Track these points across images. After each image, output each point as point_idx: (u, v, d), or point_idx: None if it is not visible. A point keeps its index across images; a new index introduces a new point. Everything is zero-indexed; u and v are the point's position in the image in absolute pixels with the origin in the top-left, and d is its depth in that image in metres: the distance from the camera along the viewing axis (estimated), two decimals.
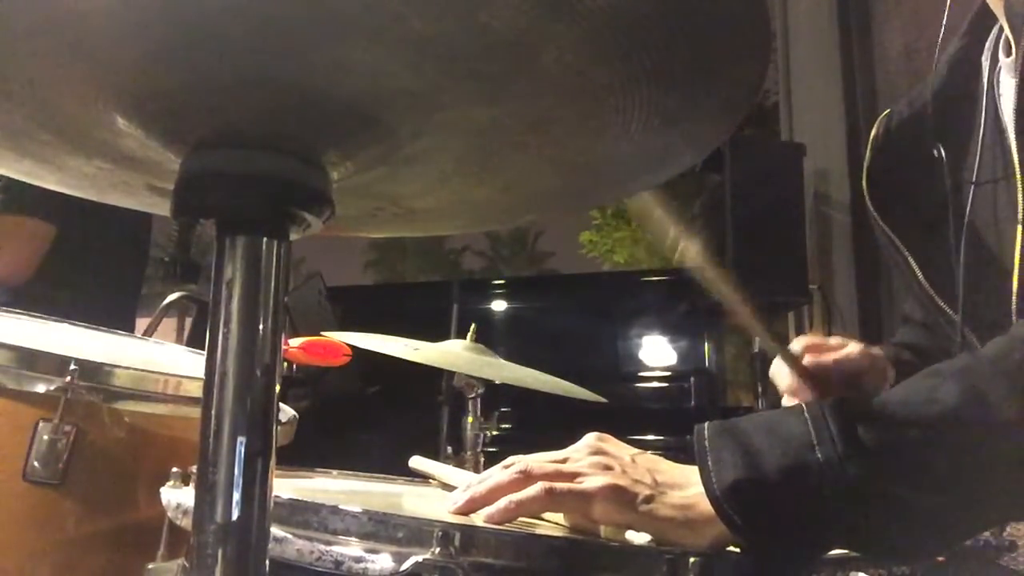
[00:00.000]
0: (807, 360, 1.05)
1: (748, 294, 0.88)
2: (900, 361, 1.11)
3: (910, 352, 1.15)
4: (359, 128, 0.45)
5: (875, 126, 1.11)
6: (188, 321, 2.90)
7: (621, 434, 0.76)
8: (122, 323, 1.78)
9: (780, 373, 1.07)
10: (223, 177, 0.45)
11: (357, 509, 0.61)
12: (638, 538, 0.67)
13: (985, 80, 0.98)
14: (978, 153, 0.96)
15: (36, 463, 0.95)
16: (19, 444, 0.96)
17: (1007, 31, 0.94)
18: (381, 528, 0.59)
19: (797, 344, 1.09)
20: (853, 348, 1.08)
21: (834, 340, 1.11)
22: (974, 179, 0.96)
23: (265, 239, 0.46)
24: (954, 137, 1.00)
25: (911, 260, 1.04)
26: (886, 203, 1.07)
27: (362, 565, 0.57)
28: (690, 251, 0.83)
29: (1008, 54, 0.94)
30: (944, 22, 1.03)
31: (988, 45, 0.99)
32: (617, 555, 0.60)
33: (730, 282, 0.87)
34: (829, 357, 1.05)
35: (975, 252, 0.95)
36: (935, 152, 1.00)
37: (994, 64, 0.97)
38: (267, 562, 0.45)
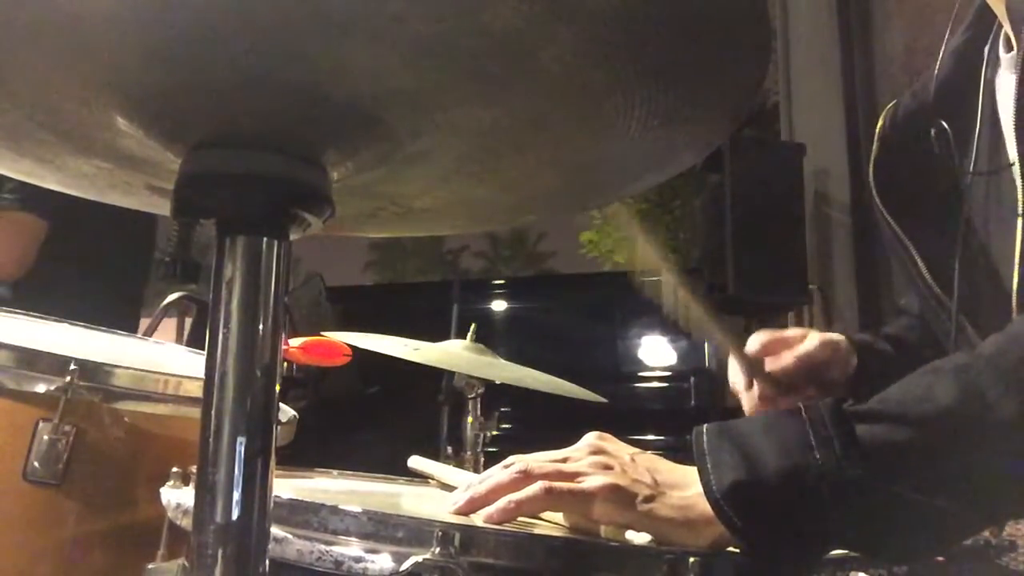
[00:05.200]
0: (768, 364, 1.02)
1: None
2: (873, 350, 1.09)
3: (891, 344, 1.12)
4: (359, 128, 0.45)
5: (881, 116, 1.10)
6: (188, 321, 2.90)
7: (621, 434, 0.76)
8: (124, 324, 1.78)
9: (736, 376, 1.04)
10: (223, 177, 0.45)
11: (357, 509, 0.61)
12: (638, 538, 0.67)
13: (984, 73, 0.98)
14: (975, 146, 0.96)
15: (36, 463, 0.95)
16: (19, 444, 0.96)
17: (1007, 28, 0.94)
18: (381, 528, 0.59)
19: (754, 342, 1.04)
20: (813, 340, 1.04)
21: (792, 332, 1.07)
22: (973, 172, 0.96)
23: (265, 239, 0.46)
24: (956, 129, 0.99)
25: (913, 250, 1.03)
26: (890, 194, 1.06)
27: (362, 565, 0.57)
28: (653, 260, 0.82)
29: (1008, 50, 0.94)
30: (953, 17, 1.02)
31: (991, 39, 0.99)
32: (617, 555, 0.60)
33: (691, 288, 0.86)
34: (790, 356, 1.02)
35: (973, 242, 0.95)
36: (936, 145, 1.00)
37: (994, 58, 0.97)
38: (267, 562, 0.45)
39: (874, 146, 1.10)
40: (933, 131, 1.00)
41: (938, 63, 1.04)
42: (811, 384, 1.03)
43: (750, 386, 1.03)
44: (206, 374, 0.45)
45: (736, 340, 0.99)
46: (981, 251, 0.95)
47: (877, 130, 1.10)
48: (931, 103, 1.03)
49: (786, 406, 1.00)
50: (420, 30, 0.36)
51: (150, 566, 0.84)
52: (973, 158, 0.96)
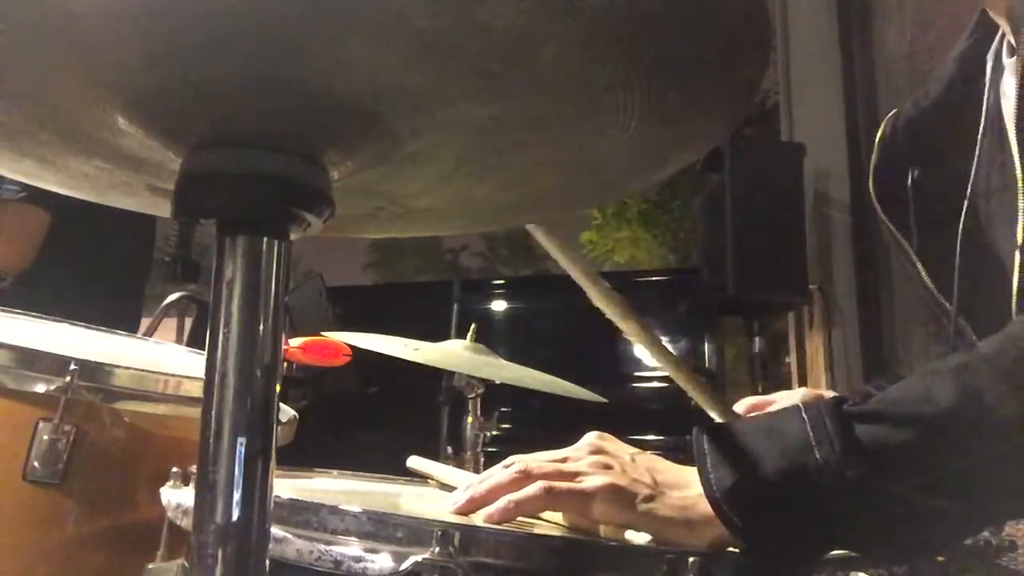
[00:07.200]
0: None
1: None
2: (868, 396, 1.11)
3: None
4: (359, 127, 0.45)
5: (883, 125, 1.11)
6: (188, 321, 2.90)
7: (621, 434, 0.76)
8: (125, 324, 1.78)
9: None
10: (223, 177, 0.45)
11: (357, 509, 0.61)
12: (637, 538, 0.67)
13: (988, 79, 0.98)
14: (979, 153, 0.96)
15: (36, 463, 0.95)
16: (19, 444, 0.95)
17: (1008, 35, 0.94)
18: (381, 528, 0.59)
19: (741, 406, 1.08)
20: (795, 395, 1.06)
21: (778, 395, 1.10)
22: (975, 177, 0.97)
23: (265, 239, 0.46)
24: (958, 135, 1.00)
25: (914, 257, 1.04)
26: (891, 201, 1.07)
27: (362, 565, 0.57)
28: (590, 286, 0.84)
29: (1011, 55, 0.94)
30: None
31: (994, 44, 0.99)
32: (616, 555, 0.60)
33: (640, 325, 0.88)
34: (773, 408, 1.02)
35: (974, 247, 0.96)
36: (938, 151, 1.00)
37: (997, 64, 0.98)
38: (267, 562, 0.45)
39: (874, 153, 1.10)
40: (935, 138, 1.01)
41: (942, 69, 1.05)
42: None
43: None
44: (206, 374, 0.45)
45: (724, 406, 1.00)
46: (983, 256, 0.95)
47: (878, 138, 1.11)
48: (934, 110, 1.04)
49: None
50: (421, 27, 0.36)
51: (150, 566, 0.85)
52: (976, 164, 0.97)
